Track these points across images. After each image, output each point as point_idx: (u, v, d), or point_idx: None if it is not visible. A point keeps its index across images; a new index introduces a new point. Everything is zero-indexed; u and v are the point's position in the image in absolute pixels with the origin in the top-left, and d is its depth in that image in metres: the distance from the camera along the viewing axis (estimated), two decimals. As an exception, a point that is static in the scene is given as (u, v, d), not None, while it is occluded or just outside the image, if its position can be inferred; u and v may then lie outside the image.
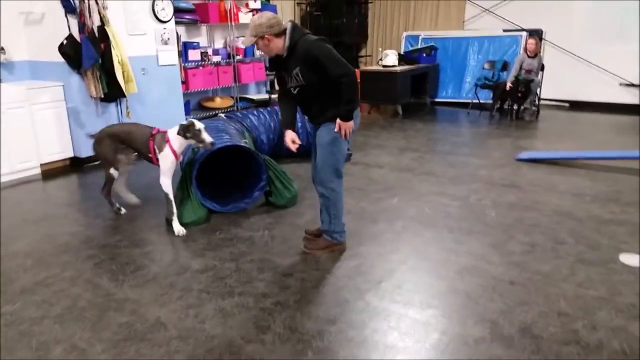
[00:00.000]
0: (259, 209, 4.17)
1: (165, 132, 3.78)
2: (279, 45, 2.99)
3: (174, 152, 3.71)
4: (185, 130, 3.62)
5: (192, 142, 3.69)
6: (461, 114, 8.45)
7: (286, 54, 3.01)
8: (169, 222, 3.82)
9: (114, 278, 3.08)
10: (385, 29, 10.22)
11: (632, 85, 8.29)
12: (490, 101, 8.30)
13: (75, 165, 5.76)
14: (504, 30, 8.88)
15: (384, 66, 8.50)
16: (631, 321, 2.50)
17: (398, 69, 8.36)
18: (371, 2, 10.22)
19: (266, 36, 2.94)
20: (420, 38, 9.56)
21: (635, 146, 5.95)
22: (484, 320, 2.55)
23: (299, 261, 3.23)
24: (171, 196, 3.75)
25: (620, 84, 8.39)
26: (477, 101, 8.51)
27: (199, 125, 3.62)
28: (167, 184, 3.74)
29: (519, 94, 7.61)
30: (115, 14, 5.64)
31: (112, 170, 4.01)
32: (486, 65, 8.62)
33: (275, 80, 3.37)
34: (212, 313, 2.65)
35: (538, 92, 7.98)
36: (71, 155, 5.75)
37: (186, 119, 6.74)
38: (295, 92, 3.11)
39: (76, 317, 2.66)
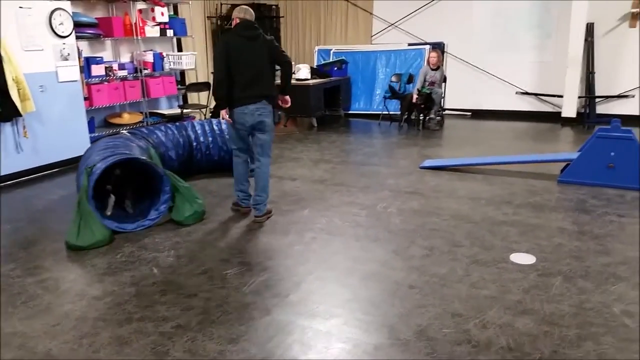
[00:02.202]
0: (166, 227, 4.06)
1: None
2: None
3: None
4: None
5: None
6: (373, 125, 8.72)
7: None
8: (69, 246, 3.64)
9: (2, 311, 2.86)
10: (298, 43, 10.38)
11: (527, 93, 8.98)
12: (399, 112, 8.65)
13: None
14: (409, 44, 9.32)
15: (297, 80, 8.61)
16: (518, 317, 2.68)
17: (311, 82, 8.49)
18: (283, 17, 10.34)
19: None
20: (331, 52, 9.79)
21: (530, 151, 6.44)
22: (384, 326, 2.63)
23: (205, 280, 3.17)
24: None
25: (517, 93, 9.06)
26: (387, 112, 8.83)
27: None
28: None
29: (423, 105, 7.99)
30: (8, 28, 5.30)
31: None
32: (393, 78, 8.99)
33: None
34: (108, 342, 2.53)
35: (442, 102, 8.42)
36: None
37: (91, 137, 6.48)
38: None
39: (-47, 359, 2.44)
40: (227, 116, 4.07)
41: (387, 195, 4.80)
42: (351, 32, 9.95)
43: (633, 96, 8.25)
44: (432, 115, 8.19)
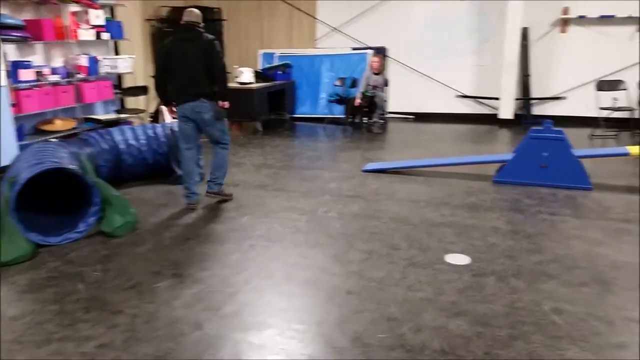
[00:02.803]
0: (95, 240, 3.85)
1: None
2: None
3: None
4: None
5: None
6: (318, 129, 8.70)
7: None
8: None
9: None
10: (241, 47, 10.23)
11: (466, 96, 9.22)
12: (344, 116, 8.68)
13: None
14: (353, 49, 9.37)
15: (240, 83, 8.48)
16: (452, 319, 2.70)
17: (254, 86, 8.39)
18: (226, 20, 10.18)
19: None
20: (275, 56, 9.72)
21: (469, 152, 6.59)
22: (319, 335, 2.58)
23: (133, 295, 3.01)
24: None
25: (456, 96, 9.28)
26: (332, 116, 8.84)
27: None
28: None
29: (367, 109, 8.05)
30: None
31: None
32: (337, 82, 9.02)
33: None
34: (22, 366, 2.35)
35: (385, 106, 8.51)
36: None
37: (19, 145, 6.10)
38: None
39: None
40: (173, 112, 4.48)
41: (329, 200, 4.76)
42: (295, 35, 9.91)
43: (566, 98, 8.63)
44: (375, 119, 8.26)
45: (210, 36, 4.35)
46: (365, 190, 5.03)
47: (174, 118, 4.65)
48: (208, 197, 4.65)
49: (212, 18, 9.95)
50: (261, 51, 9.91)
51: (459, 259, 3.43)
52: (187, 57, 4.23)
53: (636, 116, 7.28)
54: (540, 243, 3.67)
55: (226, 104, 4.47)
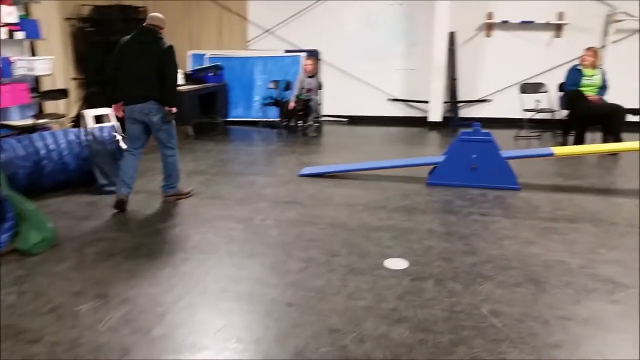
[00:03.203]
0: (8, 259, 3.49)
1: None
2: None
3: None
4: None
5: None
6: (253, 133, 8.54)
7: None
8: None
9: None
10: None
11: (397, 99, 9.38)
12: (278, 119, 8.57)
13: None
14: (286, 51, 9.28)
15: (169, 86, 8.13)
16: (393, 327, 2.66)
17: (184, 88, 8.07)
18: (152, 20, 9.76)
19: None
20: (206, 57, 9.43)
21: (402, 155, 6.68)
22: (258, 353, 2.45)
23: (52, 320, 2.74)
24: None
25: (388, 99, 9.42)
26: (267, 119, 8.70)
27: None
28: None
29: (301, 112, 7.99)
30: None
31: None
32: (271, 85, 8.89)
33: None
34: None
35: (319, 109, 8.49)
36: None
37: None
38: None
39: None
40: (121, 112, 4.52)
41: (265, 206, 4.64)
42: (226, 37, 9.68)
43: (491, 100, 8.98)
44: (310, 122, 8.21)
45: (168, 43, 4.38)
46: (302, 196, 4.95)
47: (119, 119, 4.77)
48: (167, 200, 4.81)
49: (137, 17, 9.51)
50: (190, 52, 9.59)
51: (397, 264, 3.42)
52: (140, 59, 4.29)
53: (557, 117, 7.68)
54: (474, 244, 3.74)
55: (173, 110, 4.48)
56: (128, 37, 4.40)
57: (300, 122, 8.25)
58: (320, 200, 4.80)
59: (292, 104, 7.96)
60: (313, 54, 8.98)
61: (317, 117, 8.47)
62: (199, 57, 9.48)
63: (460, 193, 4.98)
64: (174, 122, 4.57)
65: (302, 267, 3.38)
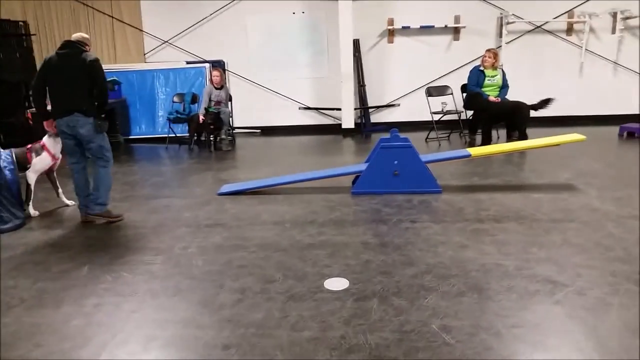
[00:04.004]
0: None
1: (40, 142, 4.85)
2: None
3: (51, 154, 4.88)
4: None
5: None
6: (160, 150, 8.01)
7: None
8: None
9: None
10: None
11: (309, 108, 9.28)
12: (187, 134, 8.10)
13: None
14: (187, 62, 8.83)
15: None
16: (345, 357, 2.45)
17: (78, 107, 7.35)
18: (34, 34, 8.85)
19: None
20: (100, 72, 8.70)
21: (320, 164, 6.54)
22: (200, 411, 2.13)
23: None
24: (33, 187, 4.85)
25: (299, 108, 9.30)
26: (174, 135, 8.19)
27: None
28: (33, 177, 4.86)
29: (213, 125, 7.61)
30: None
31: None
32: (176, 98, 8.41)
33: None
34: None
35: (231, 121, 8.14)
36: None
37: None
38: None
39: None
40: (53, 127, 4.54)
41: (185, 233, 4.25)
42: (120, 49, 9.04)
43: (399, 105, 9.17)
44: (223, 136, 7.85)
45: (93, 55, 4.40)
46: (225, 217, 4.62)
47: (50, 134, 4.77)
48: (90, 221, 4.59)
49: (17, 33, 8.59)
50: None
51: (338, 284, 3.23)
52: (63, 72, 4.29)
53: (463, 118, 7.98)
54: (410, 254, 3.66)
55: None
56: (53, 53, 4.42)
57: (212, 137, 7.85)
58: (245, 220, 4.51)
59: (201, 118, 7.55)
60: (219, 65, 8.61)
61: (229, 130, 8.12)
62: (92, 73, 8.72)
63: (386, 200, 4.92)
64: (105, 134, 4.52)
65: (236, 300, 3.07)
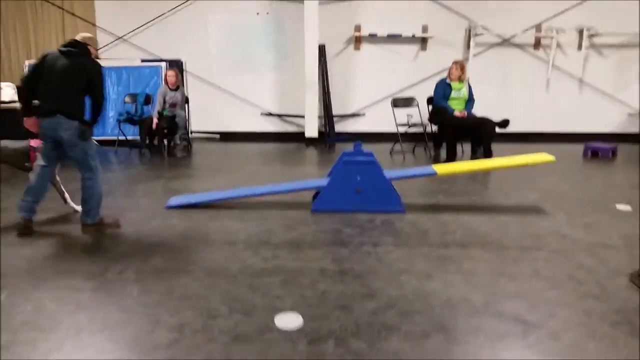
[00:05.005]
0: None
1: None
2: None
3: None
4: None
5: None
6: (108, 154, 7.49)
7: None
8: None
9: None
10: (1, 58, 8.34)
11: (271, 114, 8.92)
12: (139, 138, 7.60)
13: None
14: (143, 61, 8.33)
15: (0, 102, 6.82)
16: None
17: (19, 105, 6.76)
18: (-26, 24, 8.18)
19: None
20: (47, 67, 8.10)
21: (281, 175, 6.20)
22: None
23: None
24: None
25: (262, 114, 8.92)
26: (125, 138, 7.68)
27: None
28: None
29: (166, 129, 7.15)
30: None
31: None
32: (127, 99, 7.90)
33: None
34: None
35: (187, 125, 7.70)
36: None
37: None
38: None
39: None
40: (35, 127, 4.19)
41: (124, 253, 3.82)
42: (71, 44, 8.43)
43: (364, 114, 8.92)
44: (177, 141, 7.39)
45: (95, 60, 4.24)
46: (171, 234, 4.21)
47: (32, 133, 4.31)
48: (89, 232, 4.25)
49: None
50: (28, 62, 8.19)
51: (290, 321, 2.88)
52: (57, 70, 4.02)
53: (428, 131, 7.79)
54: (372, 284, 3.35)
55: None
56: (54, 49, 4.17)
57: (165, 141, 7.38)
58: (193, 239, 4.11)
59: (154, 122, 7.07)
60: (176, 64, 8.14)
61: (185, 135, 7.66)
62: (38, 67, 8.11)
63: (348, 219, 4.62)
64: (93, 140, 4.26)
65: (172, 339, 2.68)
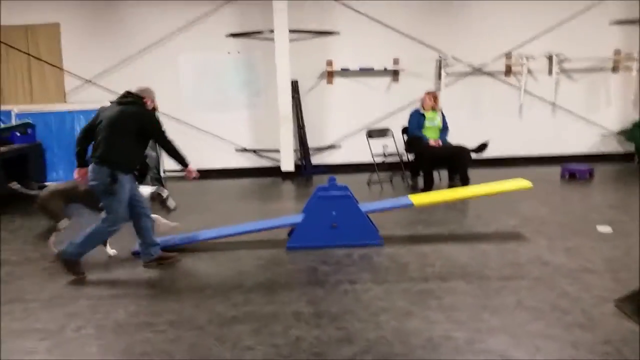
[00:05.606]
0: None
1: None
2: None
3: None
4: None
5: None
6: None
7: None
8: None
9: None
10: (-37, 104, 8.13)
11: (246, 150, 8.79)
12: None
13: None
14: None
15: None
16: None
17: (-20, 153, 6.54)
18: None
19: None
20: (13, 114, 7.89)
21: (256, 212, 6.02)
22: None
23: None
24: None
25: (236, 150, 8.79)
26: (94, 182, 7.44)
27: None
28: None
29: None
30: None
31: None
32: (97, 142, 7.69)
33: None
34: None
35: (158, 165, 7.51)
36: None
37: None
38: None
39: None
40: (82, 176, 4.23)
41: (84, 307, 3.57)
42: (38, 89, 8.29)
43: (340, 146, 8.84)
44: (148, 182, 7.16)
45: (149, 109, 4.31)
46: (136, 282, 3.98)
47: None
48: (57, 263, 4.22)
49: None
50: (-7, 108, 7.98)
51: (261, 374, 2.68)
52: (108, 119, 4.08)
53: (405, 160, 7.71)
54: (349, 326, 3.16)
55: (191, 171, 4.59)
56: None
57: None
58: (159, 287, 3.89)
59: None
60: (147, 106, 8.01)
61: (157, 175, 7.45)
62: (5, 114, 7.90)
63: (324, 256, 4.44)
64: (118, 197, 4.08)
65: (130, 403, 2.45)
